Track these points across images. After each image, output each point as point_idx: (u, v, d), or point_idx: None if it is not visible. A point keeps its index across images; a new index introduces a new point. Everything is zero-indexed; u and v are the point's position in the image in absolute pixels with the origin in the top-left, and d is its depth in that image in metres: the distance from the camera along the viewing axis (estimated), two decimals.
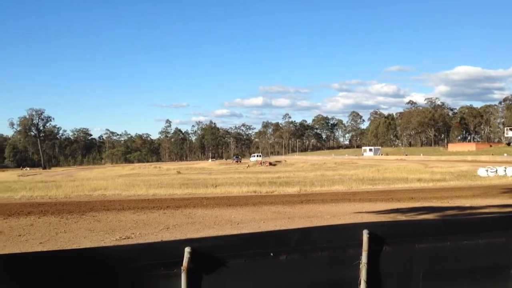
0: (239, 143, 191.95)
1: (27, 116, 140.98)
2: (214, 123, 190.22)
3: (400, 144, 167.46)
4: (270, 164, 76.58)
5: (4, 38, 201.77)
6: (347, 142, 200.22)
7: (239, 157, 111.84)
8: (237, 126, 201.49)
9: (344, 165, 64.80)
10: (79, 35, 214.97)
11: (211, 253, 3.79)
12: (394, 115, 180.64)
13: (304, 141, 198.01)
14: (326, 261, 3.83)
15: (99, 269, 3.61)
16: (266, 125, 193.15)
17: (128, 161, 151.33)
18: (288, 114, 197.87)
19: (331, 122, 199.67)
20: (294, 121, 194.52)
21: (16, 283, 3.42)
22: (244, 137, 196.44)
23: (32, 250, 8.59)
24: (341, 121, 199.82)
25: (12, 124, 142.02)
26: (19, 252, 7.25)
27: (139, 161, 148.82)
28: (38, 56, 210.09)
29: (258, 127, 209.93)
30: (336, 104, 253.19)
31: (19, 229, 11.43)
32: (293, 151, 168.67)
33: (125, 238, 9.95)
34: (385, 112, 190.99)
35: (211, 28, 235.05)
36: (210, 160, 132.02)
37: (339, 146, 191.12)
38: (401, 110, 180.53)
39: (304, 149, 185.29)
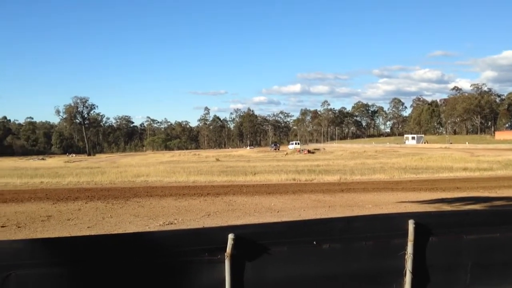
0: (277, 131, 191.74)
1: (72, 104, 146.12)
2: (252, 111, 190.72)
3: (444, 132, 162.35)
4: (309, 152, 76.12)
5: (52, 29, 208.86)
6: (388, 130, 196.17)
7: (277, 144, 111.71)
8: (275, 113, 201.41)
9: (385, 154, 63.55)
10: (121, 25, 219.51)
11: (254, 240, 3.82)
12: (438, 102, 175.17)
13: (344, 128, 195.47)
14: (370, 251, 3.78)
15: (146, 253, 3.72)
16: (304, 112, 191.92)
17: (168, 148, 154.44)
18: (327, 101, 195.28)
19: (372, 109, 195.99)
20: (333, 108, 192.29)
21: (69, 266, 3.57)
22: (282, 124, 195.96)
23: (81, 234, 8.95)
24: (382, 108, 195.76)
25: (58, 112, 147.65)
26: (73, 236, 7.56)
27: (179, 148, 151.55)
28: (83, 45, 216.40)
29: (296, 115, 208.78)
30: (376, 90, 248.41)
31: (67, 213, 11.91)
32: (332, 139, 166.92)
33: (168, 224, 10.20)
34: (429, 99, 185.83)
35: (248, 15, 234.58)
36: (248, 147, 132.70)
37: (380, 134, 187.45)
38: (445, 96, 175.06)
39: (343, 137, 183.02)
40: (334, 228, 3.96)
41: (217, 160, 55.21)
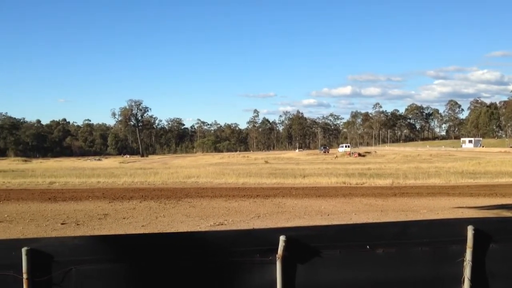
0: (327, 133, 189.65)
1: (127, 107, 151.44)
2: (301, 113, 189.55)
3: (504, 136, 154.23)
4: (359, 155, 74.79)
5: (109, 36, 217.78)
6: (443, 133, 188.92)
7: (327, 147, 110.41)
8: (324, 116, 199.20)
9: (441, 157, 61.30)
10: (173, 27, 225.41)
11: (306, 243, 3.79)
12: (498, 104, 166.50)
13: (396, 131, 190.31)
14: (427, 257, 3.67)
15: (199, 252, 3.79)
16: (355, 115, 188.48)
17: (217, 150, 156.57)
18: (378, 104, 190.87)
19: (426, 112, 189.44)
20: (385, 110, 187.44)
21: (126, 263, 3.70)
22: (332, 127, 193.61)
23: (135, 232, 9.25)
24: (437, 111, 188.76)
25: (114, 114, 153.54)
26: (131, 233, 7.85)
27: (228, 150, 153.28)
28: (138, 49, 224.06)
29: (346, 117, 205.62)
30: (431, 92, 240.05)
31: (123, 212, 12.34)
32: (384, 142, 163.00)
33: (218, 225, 10.34)
34: (487, 101, 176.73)
35: (298, 17, 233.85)
36: (297, 150, 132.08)
37: (435, 137, 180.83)
38: (505, 98, 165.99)
39: (395, 140, 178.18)
40: (389, 233, 3.86)
41: (266, 162, 55.42)
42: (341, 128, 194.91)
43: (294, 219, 11.02)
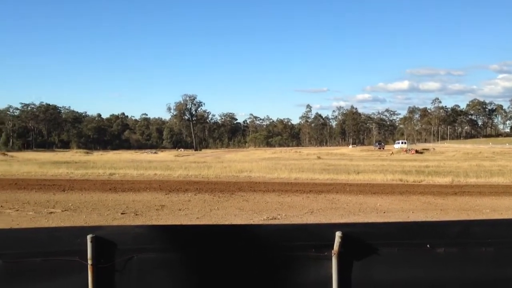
0: (382, 129, 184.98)
1: (182, 102, 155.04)
2: (356, 108, 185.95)
3: None
4: (417, 151, 72.34)
5: (165, 31, 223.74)
6: (507, 130, 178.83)
7: (382, 143, 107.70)
8: (380, 111, 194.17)
9: (504, 155, 58.14)
10: (226, 24, 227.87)
11: (362, 239, 3.73)
12: None
13: (456, 128, 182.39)
14: (491, 258, 3.53)
15: (254, 245, 3.82)
16: (412, 110, 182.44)
17: (269, 145, 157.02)
18: (438, 99, 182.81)
19: (489, 108, 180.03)
20: (445, 106, 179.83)
21: (185, 252, 3.79)
22: (388, 123, 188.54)
23: (191, 223, 9.46)
24: (500, 106, 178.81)
25: (169, 109, 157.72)
26: (190, 224, 8.04)
27: (280, 145, 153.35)
28: (192, 45, 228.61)
29: (403, 113, 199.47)
30: (494, 87, 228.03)
31: (179, 204, 12.69)
32: (443, 138, 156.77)
33: (271, 219, 10.38)
34: None
35: (352, 10, 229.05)
36: (350, 146, 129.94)
37: (498, 134, 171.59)
38: None
39: (455, 137, 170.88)
40: (450, 232, 3.74)
41: (319, 158, 54.96)
42: (397, 124, 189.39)
43: (349, 216, 10.86)
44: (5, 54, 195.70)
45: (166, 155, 72.25)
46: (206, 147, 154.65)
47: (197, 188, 16.26)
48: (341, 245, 3.69)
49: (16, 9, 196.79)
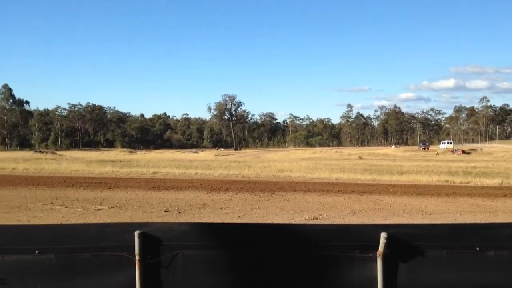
0: (426, 129, 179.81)
1: (222, 102, 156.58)
2: (399, 108, 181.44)
3: None
4: (463, 152, 69.83)
5: (205, 33, 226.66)
6: None
7: (427, 143, 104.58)
8: (424, 110, 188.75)
9: None
10: (266, 22, 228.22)
11: (409, 241, 3.65)
12: None
13: (506, 128, 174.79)
14: None
15: (297, 244, 3.81)
16: (458, 109, 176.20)
17: (309, 145, 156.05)
18: (485, 97, 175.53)
19: None
20: (493, 105, 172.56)
21: (229, 250, 3.83)
22: (432, 122, 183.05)
23: (233, 222, 9.55)
24: None
25: (209, 109, 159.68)
26: (234, 222, 8.13)
27: (320, 145, 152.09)
28: (231, 46, 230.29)
29: (448, 112, 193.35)
30: None
31: (220, 202, 12.84)
32: (491, 138, 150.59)
33: (313, 219, 10.31)
34: None
35: (394, 4, 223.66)
36: (393, 146, 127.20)
37: None
38: None
39: (505, 137, 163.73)
40: (500, 235, 3.63)
41: (360, 158, 54.09)
42: (442, 124, 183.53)
43: (393, 217, 10.64)
44: (52, 56, 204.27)
45: (206, 155, 73.19)
46: (246, 146, 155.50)
47: (237, 187, 16.39)
48: (387, 246, 3.62)
49: (63, 11, 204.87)
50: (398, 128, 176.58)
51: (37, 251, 3.73)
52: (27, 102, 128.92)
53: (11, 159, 36.93)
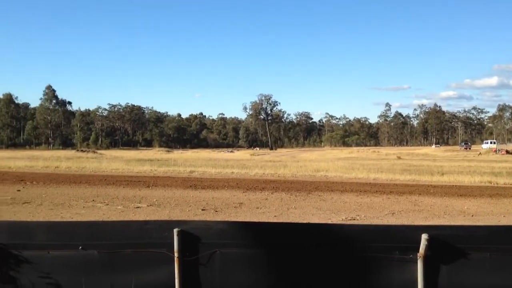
0: (468, 128, 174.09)
1: (258, 101, 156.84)
2: (439, 106, 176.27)
3: None
4: (507, 152, 67.12)
5: (241, 33, 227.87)
6: None
7: (469, 143, 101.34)
8: (466, 109, 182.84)
9: None
10: (303, 21, 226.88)
11: (451, 243, 3.57)
12: None
13: None
14: None
15: (335, 244, 3.78)
16: (502, 108, 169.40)
17: (346, 144, 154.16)
18: None
19: None
20: None
21: (266, 249, 3.84)
22: (475, 121, 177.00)
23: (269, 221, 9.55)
24: None
25: (245, 108, 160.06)
26: (270, 222, 8.16)
27: (357, 144, 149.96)
28: (268, 45, 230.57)
29: (491, 111, 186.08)
30: None
31: (256, 202, 12.87)
32: None
33: (350, 219, 10.18)
34: None
35: (435, 1, 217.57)
36: (433, 146, 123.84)
37: None
38: None
39: None
40: None
41: (399, 158, 53.01)
42: (485, 123, 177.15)
43: (433, 219, 10.37)
44: (94, 58, 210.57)
45: (242, 154, 73.62)
46: (281, 146, 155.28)
47: (273, 187, 16.39)
48: (428, 248, 3.55)
49: (103, 15, 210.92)
50: (438, 127, 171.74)
51: (80, 247, 3.86)
52: (70, 103, 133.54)
53: (54, 157, 38.35)
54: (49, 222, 5.67)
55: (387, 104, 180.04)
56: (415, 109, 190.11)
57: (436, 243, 3.62)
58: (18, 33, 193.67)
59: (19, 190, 14.53)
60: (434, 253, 3.64)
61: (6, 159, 33.74)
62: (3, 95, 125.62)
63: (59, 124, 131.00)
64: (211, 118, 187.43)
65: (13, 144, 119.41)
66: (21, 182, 16.87)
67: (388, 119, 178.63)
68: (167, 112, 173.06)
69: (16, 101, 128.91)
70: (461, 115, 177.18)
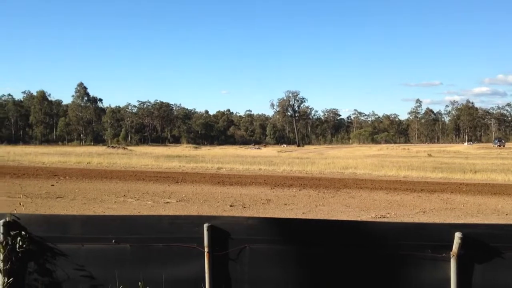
0: (502, 125, 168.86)
1: (285, 98, 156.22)
2: (472, 103, 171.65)
3: None
4: None
5: (265, 31, 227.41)
6: None
7: (503, 140, 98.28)
8: (500, 105, 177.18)
9: None
10: (326, 21, 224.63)
11: (486, 242, 3.49)
12: None
13: None
14: None
15: (366, 242, 3.74)
16: None
17: (374, 141, 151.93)
18: None
19: None
20: None
21: (294, 245, 3.84)
22: (509, 118, 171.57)
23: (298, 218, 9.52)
24: None
25: (272, 105, 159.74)
26: (300, 218, 8.16)
27: (386, 142, 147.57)
28: (293, 42, 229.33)
29: None
30: None
31: (284, 198, 12.87)
32: None
33: (380, 217, 10.05)
34: None
35: None
36: (466, 143, 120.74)
37: None
38: None
39: None
40: None
41: (429, 155, 51.95)
42: None
43: (466, 217, 10.12)
44: (123, 56, 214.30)
45: (269, 151, 73.59)
46: (309, 143, 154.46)
47: (301, 184, 16.34)
48: (461, 246, 3.48)
49: (129, 12, 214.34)
50: (471, 124, 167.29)
51: (113, 241, 3.96)
52: (100, 100, 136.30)
53: (86, 153, 39.31)
54: (83, 216, 5.82)
55: (418, 101, 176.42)
56: (446, 106, 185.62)
57: (469, 242, 3.55)
58: (51, 33, 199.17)
59: (53, 185, 14.96)
60: (467, 252, 3.57)
61: (40, 155, 34.77)
62: (37, 92, 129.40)
63: (90, 121, 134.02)
64: (238, 114, 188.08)
65: (46, 140, 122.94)
66: (54, 177, 17.37)
67: (419, 115, 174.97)
68: (194, 109, 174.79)
69: (49, 98, 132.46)
70: (494, 112, 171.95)
